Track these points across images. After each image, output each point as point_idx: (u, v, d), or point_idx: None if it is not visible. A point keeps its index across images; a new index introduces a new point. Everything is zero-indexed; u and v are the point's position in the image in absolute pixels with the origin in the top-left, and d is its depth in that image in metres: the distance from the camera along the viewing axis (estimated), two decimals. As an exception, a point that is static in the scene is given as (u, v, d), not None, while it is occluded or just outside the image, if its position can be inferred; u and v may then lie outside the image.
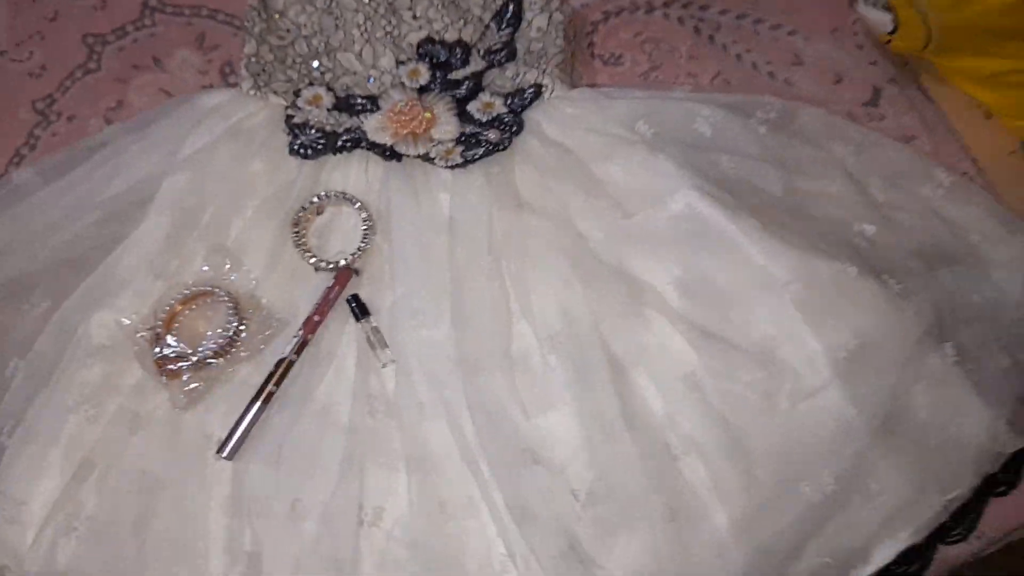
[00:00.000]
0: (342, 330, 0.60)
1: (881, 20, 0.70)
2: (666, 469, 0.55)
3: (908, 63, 0.77)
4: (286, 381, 0.58)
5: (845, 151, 0.68)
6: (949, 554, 0.59)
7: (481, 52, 0.70)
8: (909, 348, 0.57)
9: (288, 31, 0.69)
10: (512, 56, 0.70)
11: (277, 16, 0.69)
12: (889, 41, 0.74)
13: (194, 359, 0.58)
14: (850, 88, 0.74)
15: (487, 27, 0.71)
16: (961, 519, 0.59)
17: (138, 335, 0.58)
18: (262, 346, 0.59)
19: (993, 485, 0.59)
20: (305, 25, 0.70)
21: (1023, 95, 0.72)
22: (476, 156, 0.64)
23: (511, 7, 0.71)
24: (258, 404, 0.57)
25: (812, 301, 0.57)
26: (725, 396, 0.57)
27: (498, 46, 0.70)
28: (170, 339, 0.58)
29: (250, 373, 0.58)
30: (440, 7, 0.70)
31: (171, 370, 0.57)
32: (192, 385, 0.57)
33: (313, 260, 0.62)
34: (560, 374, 0.57)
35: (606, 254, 0.60)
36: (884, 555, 0.57)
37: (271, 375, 0.57)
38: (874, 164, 0.67)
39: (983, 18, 0.65)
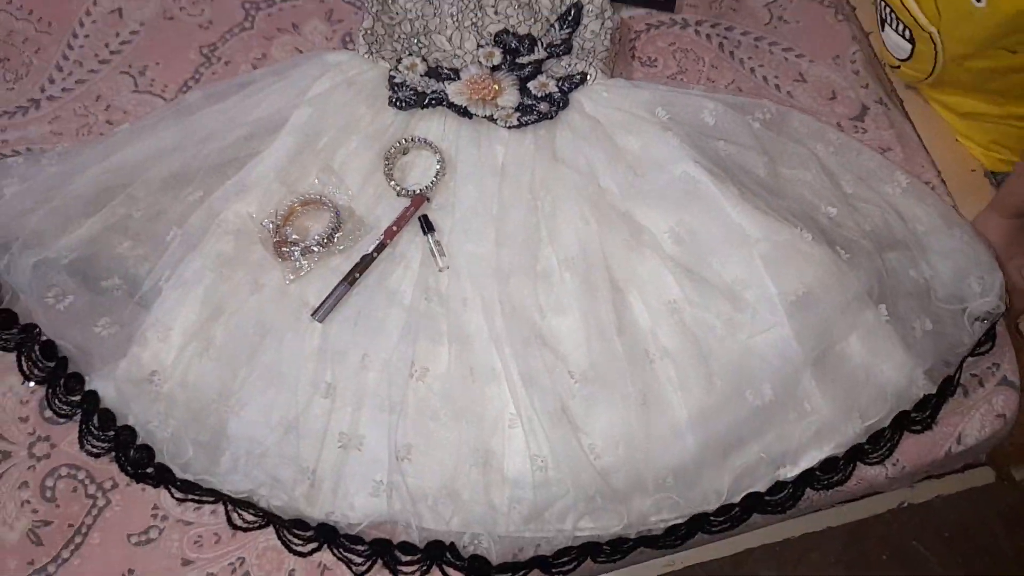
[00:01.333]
0: (412, 240, 0.78)
1: (900, 46, 0.84)
2: (644, 367, 0.72)
3: (895, 90, 0.93)
4: (368, 271, 0.76)
5: (825, 151, 0.84)
6: (868, 474, 0.74)
7: (544, 45, 0.88)
8: (846, 302, 0.73)
9: (397, 14, 0.89)
10: (568, 50, 0.88)
11: (390, 2, 0.89)
12: (898, 67, 0.88)
13: (302, 246, 0.76)
14: (842, 104, 0.90)
15: (552, 26, 0.89)
16: (878, 444, 0.73)
17: (263, 223, 0.77)
18: (352, 243, 0.77)
19: (909, 422, 0.74)
20: (411, 10, 0.89)
21: (988, 131, 0.87)
22: (529, 121, 0.82)
23: (573, 12, 0.89)
24: (345, 285, 0.75)
25: (774, 256, 0.73)
26: (698, 321, 0.74)
27: (558, 41, 0.88)
28: (287, 230, 0.77)
29: (341, 262, 0.77)
30: (517, 6, 0.89)
31: (284, 252, 0.76)
32: (299, 265, 0.76)
33: (396, 187, 0.81)
34: (572, 288, 0.74)
35: (618, 203, 0.77)
36: (809, 461, 0.72)
37: (356, 265, 0.76)
38: (848, 164, 0.83)
39: (980, 75, 0.80)
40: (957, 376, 0.75)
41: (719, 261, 0.75)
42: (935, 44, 0.79)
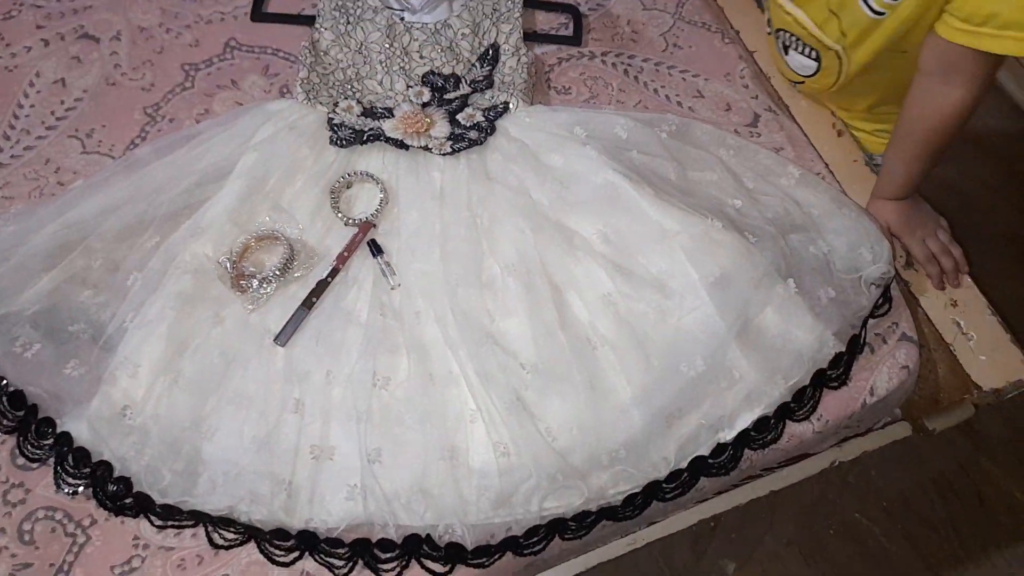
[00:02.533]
0: (363, 263, 0.84)
1: (806, 65, 0.95)
2: (587, 355, 0.79)
3: (781, 98, 1.05)
4: (323, 295, 0.81)
5: (727, 154, 0.94)
6: (798, 430, 0.82)
7: (468, 81, 0.97)
8: (758, 279, 0.81)
9: (330, 64, 0.96)
10: (490, 85, 0.97)
11: (323, 54, 0.97)
12: (802, 82, 0.99)
13: (259, 278, 0.81)
14: (736, 114, 1.01)
15: (473, 65, 0.98)
16: (802, 402, 0.82)
17: (219, 261, 0.82)
18: (307, 272, 0.83)
19: (826, 380, 0.83)
20: (342, 60, 0.97)
21: (878, 119, 0.99)
22: (461, 148, 0.90)
23: (491, 52, 0.99)
24: (303, 310, 0.80)
25: (692, 246, 0.82)
26: (631, 311, 0.81)
27: (480, 78, 0.97)
28: (243, 264, 0.82)
29: (297, 290, 0.82)
30: (440, 50, 0.98)
31: (243, 284, 0.81)
32: (258, 295, 0.81)
33: (343, 218, 0.87)
34: (515, 292, 0.81)
35: (550, 213, 0.85)
36: (743, 423, 0.80)
37: (313, 290, 0.81)
38: (747, 163, 0.94)
39: (877, 76, 0.91)
40: (863, 335, 0.84)
41: (644, 256, 0.83)
42: (840, 59, 0.91)
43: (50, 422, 0.74)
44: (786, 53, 0.98)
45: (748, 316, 0.81)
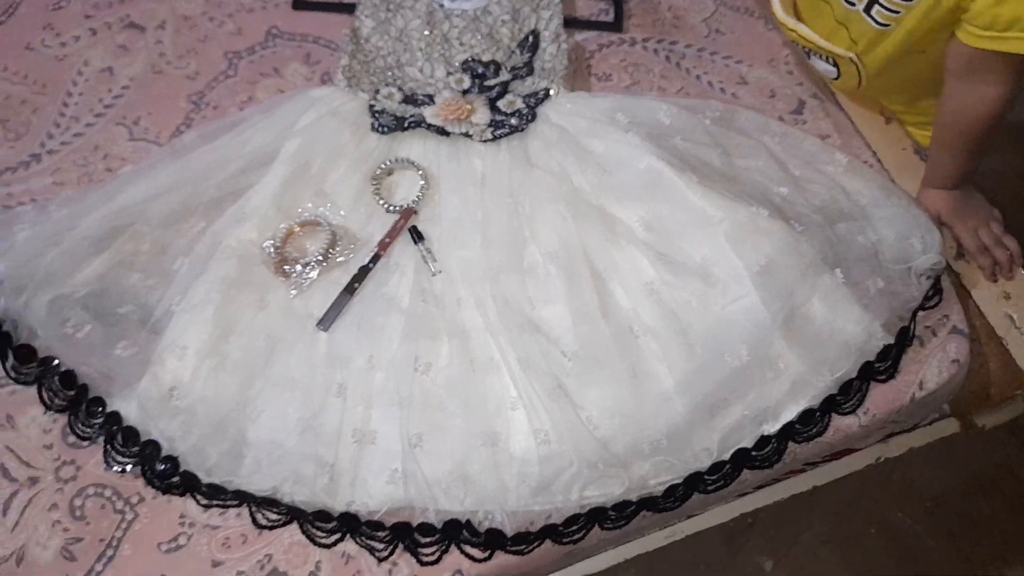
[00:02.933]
0: (404, 250, 0.84)
1: (827, 70, 0.94)
2: (629, 343, 0.78)
3: (827, 84, 1.03)
4: (365, 281, 0.82)
5: (772, 141, 0.92)
6: (844, 424, 0.80)
7: (508, 68, 0.96)
8: (804, 268, 0.80)
9: (371, 51, 0.97)
10: (531, 72, 0.96)
11: (363, 41, 0.97)
12: (834, 80, 0.98)
13: (302, 263, 0.82)
14: (781, 101, 1.00)
15: (513, 52, 0.98)
16: (849, 395, 0.80)
17: (264, 246, 0.83)
18: (349, 257, 0.83)
19: (873, 373, 0.81)
20: (382, 48, 0.97)
21: (919, 113, 0.97)
22: (502, 135, 0.90)
23: (531, 39, 0.98)
24: (346, 295, 0.81)
25: (736, 233, 0.81)
26: (674, 300, 0.80)
27: (520, 65, 0.97)
28: (287, 250, 0.83)
29: (340, 275, 0.82)
30: (479, 37, 0.98)
31: (286, 270, 0.82)
32: (301, 280, 0.81)
33: (385, 204, 0.87)
34: (557, 279, 0.80)
35: (591, 199, 0.84)
36: (788, 415, 0.78)
37: (355, 276, 0.82)
38: (793, 150, 0.92)
39: (902, 76, 0.89)
40: (912, 327, 0.82)
41: (687, 243, 0.82)
42: (857, 65, 0.89)
43: (100, 401, 0.75)
44: (808, 58, 0.96)
45: (794, 306, 0.79)
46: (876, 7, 0.81)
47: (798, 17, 0.93)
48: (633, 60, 1.02)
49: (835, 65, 0.91)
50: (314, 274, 0.82)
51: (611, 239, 0.83)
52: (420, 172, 0.88)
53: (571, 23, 1.02)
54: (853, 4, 0.83)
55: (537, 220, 0.84)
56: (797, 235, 0.81)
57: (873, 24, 0.82)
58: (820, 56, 0.92)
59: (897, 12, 0.79)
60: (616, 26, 1.04)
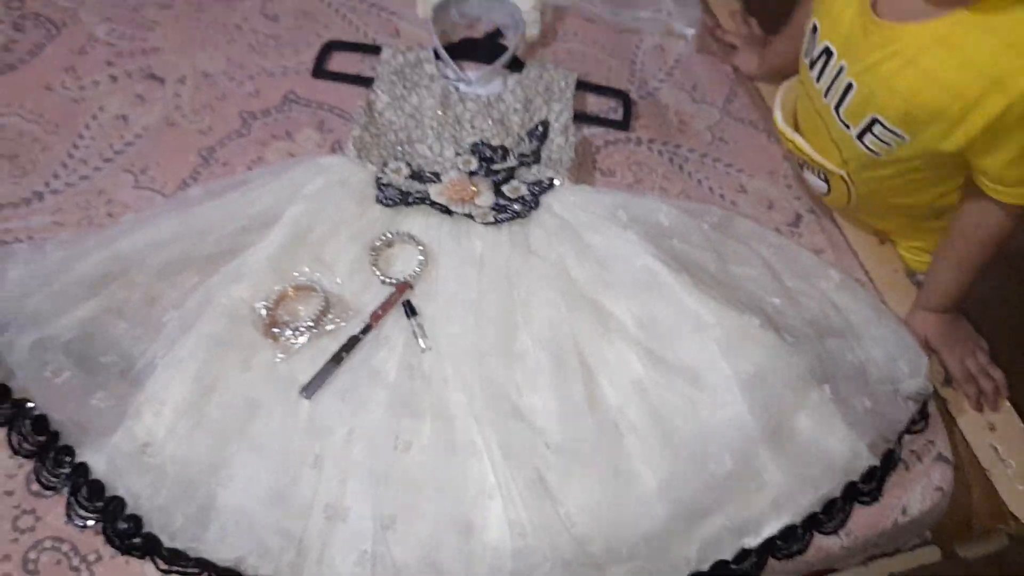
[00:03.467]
0: (396, 324, 0.84)
1: (818, 185, 0.97)
2: (614, 440, 0.77)
3: (824, 202, 1.06)
4: (354, 351, 0.81)
5: (768, 251, 0.94)
6: (825, 543, 0.79)
7: (516, 154, 0.99)
8: (793, 380, 0.80)
9: (383, 125, 0.99)
10: (537, 160, 0.99)
11: (377, 115, 0.99)
12: (824, 196, 1.00)
13: (292, 328, 0.81)
14: (779, 212, 1.02)
15: (522, 139, 1.00)
16: (832, 514, 0.79)
17: (255, 307, 0.82)
18: (341, 325, 0.83)
19: (857, 493, 0.80)
20: (395, 123, 0.99)
21: (907, 237, 0.99)
22: (504, 219, 0.91)
23: (540, 128, 1.01)
24: (332, 364, 0.80)
25: (727, 340, 0.81)
26: (662, 400, 0.80)
27: (528, 152, 0.99)
28: (279, 312, 0.82)
29: (329, 343, 0.81)
30: (491, 122, 1.00)
31: (275, 332, 0.81)
32: (289, 344, 0.81)
33: (381, 276, 0.87)
34: (545, 367, 0.80)
35: (587, 291, 0.85)
36: (770, 529, 0.77)
37: (344, 345, 0.81)
38: (787, 262, 0.94)
39: (891, 200, 0.92)
40: (897, 450, 0.82)
41: (678, 344, 0.82)
42: (847, 183, 0.92)
43: (69, 451, 0.73)
44: (802, 171, 0.99)
45: (780, 418, 0.79)
46: (869, 136, 0.84)
47: (796, 128, 0.96)
48: (638, 159, 1.04)
49: (826, 181, 0.94)
50: (303, 339, 0.81)
51: (603, 333, 0.83)
52: (420, 248, 0.89)
53: (581, 118, 1.05)
54: (848, 127, 0.86)
55: (531, 306, 0.84)
56: (788, 347, 0.82)
57: (864, 150, 0.85)
58: (813, 171, 0.95)
59: (889, 145, 0.82)
60: (624, 125, 1.07)
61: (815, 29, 0.88)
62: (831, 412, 0.80)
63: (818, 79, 0.88)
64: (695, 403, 0.80)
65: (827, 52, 0.86)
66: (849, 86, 0.83)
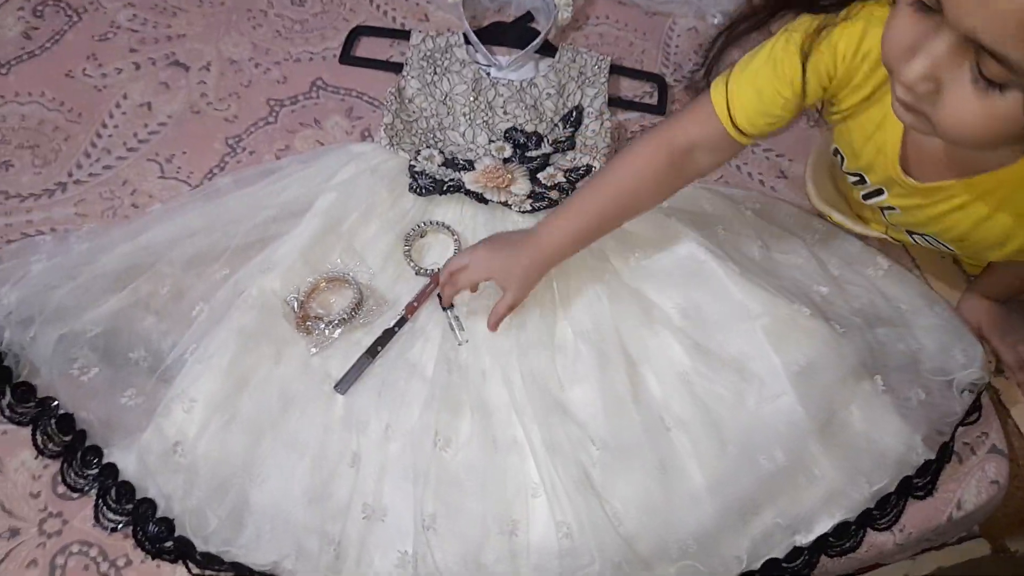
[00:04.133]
0: (432, 316, 0.81)
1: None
2: (660, 436, 0.74)
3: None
4: (389, 344, 0.79)
5: (812, 238, 0.91)
6: (878, 539, 0.76)
7: (550, 141, 0.96)
8: (844, 372, 0.77)
9: (414, 112, 0.96)
10: (572, 146, 0.95)
11: (407, 101, 0.96)
12: None
13: (326, 321, 0.79)
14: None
15: (555, 125, 0.97)
16: (886, 510, 0.76)
17: (287, 299, 0.80)
18: (374, 318, 0.80)
19: (912, 488, 0.77)
20: (426, 109, 0.96)
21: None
22: (541, 207, 0.88)
23: (574, 114, 0.98)
24: (367, 358, 0.77)
25: (775, 329, 0.78)
26: (708, 392, 0.77)
27: (562, 138, 0.96)
28: (311, 304, 0.80)
29: (363, 336, 0.79)
30: (523, 108, 0.97)
31: (308, 326, 0.79)
32: (322, 337, 0.78)
33: (414, 267, 0.84)
34: (587, 359, 0.77)
35: (629, 281, 0.82)
36: (822, 526, 0.74)
37: (378, 339, 0.78)
38: (833, 249, 0.90)
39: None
40: (951, 443, 0.79)
41: (724, 334, 0.79)
42: (892, 240, 0.84)
43: (97, 451, 0.71)
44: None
45: (832, 411, 0.76)
46: (916, 235, 0.76)
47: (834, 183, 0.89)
48: (674, 144, 1.01)
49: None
50: (337, 333, 0.79)
51: (646, 324, 0.80)
52: (455, 237, 0.86)
53: (615, 102, 1.02)
54: (894, 226, 0.78)
55: (571, 298, 0.81)
56: (838, 336, 0.78)
57: (911, 239, 0.78)
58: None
59: (940, 244, 0.74)
60: (660, 109, 1.04)
61: (839, 154, 0.76)
62: (883, 404, 0.77)
63: (854, 183, 0.76)
64: (742, 395, 0.77)
65: (860, 176, 0.75)
66: (892, 206, 0.74)
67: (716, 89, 0.71)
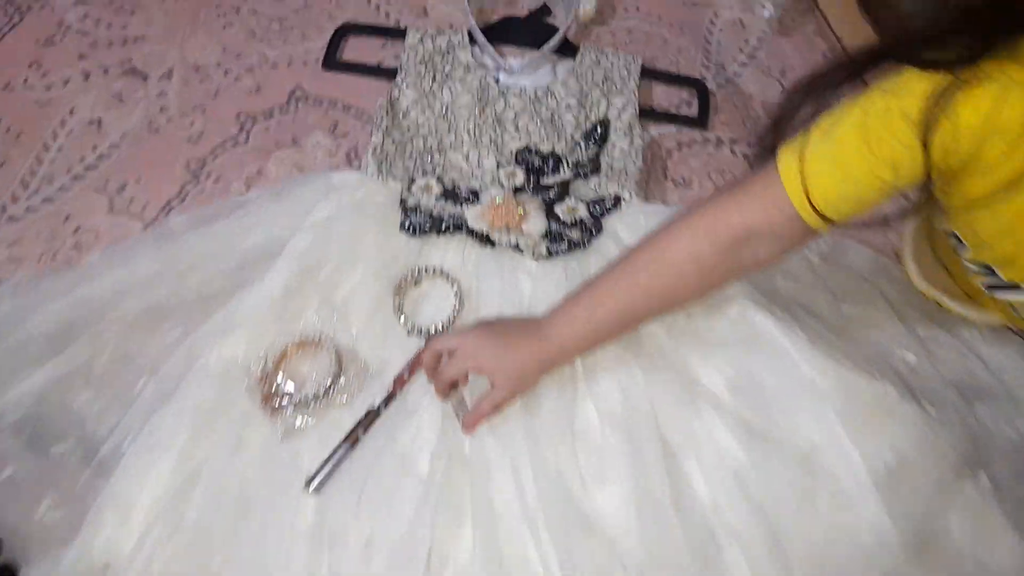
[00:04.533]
0: (427, 390, 0.67)
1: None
2: (711, 556, 0.60)
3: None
4: (372, 428, 0.64)
5: (889, 287, 0.75)
6: None
7: (570, 164, 0.80)
8: (945, 472, 0.61)
9: (409, 129, 0.81)
10: (597, 170, 0.80)
11: (401, 115, 0.81)
12: None
13: (297, 398, 0.65)
14: (897, 232, 0.82)
15: (577, 144, 0.81)
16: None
17: (251, 370, 0.66)
18: (355, 393, 0.66)
19: (1021, 614, 0.62)
20: (423, 125, 0.81)
21: None
22: (559, 251, 0.73)
23: (599, 130, 0.82)
24: (346, 446, 0.63)
25: (854, 414, 0.62)
26: (766, 490, 0.62)
27: (585, 160, 0.80)
28: (278, 376, 0.66)
29: (342, 417, 0.65)
30: (538, 122, 0.82)
31: (274, 405, 0.65)
32: (292, 421, 0.64)
33: (407, 324, 0.70)
34: (616, 449, 0.62)
35: (667, 348, 0.67)
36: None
37: (360, 422, 0.64)
38: (916, 301, 0.74)
39: None
40: (1074, 557, 0.63)
41: (787, 417, 0.64)
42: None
43: (10, 572, 0.57)
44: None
45: (928, 522, 0.61)
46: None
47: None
48: (717, 164, 0.85)
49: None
50: (306, 423, 0.64)
51: (689, 403, 0.65)
52: (454, 288, 0.71)
53: (647, 114, 0.86)
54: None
55: (596, 369, 0.66)
56: (934, 424, 0.63)
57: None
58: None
59: None
60: (700, 122, 0.88)
61: (956, 237, 0.61)
62: (991, 509, 0.62)
63: (976, 273, 0.62)
64: (812, 497, 0.61)
65: (990, 269, 0.61)
66: None
67: (786, 161, 0.54)
